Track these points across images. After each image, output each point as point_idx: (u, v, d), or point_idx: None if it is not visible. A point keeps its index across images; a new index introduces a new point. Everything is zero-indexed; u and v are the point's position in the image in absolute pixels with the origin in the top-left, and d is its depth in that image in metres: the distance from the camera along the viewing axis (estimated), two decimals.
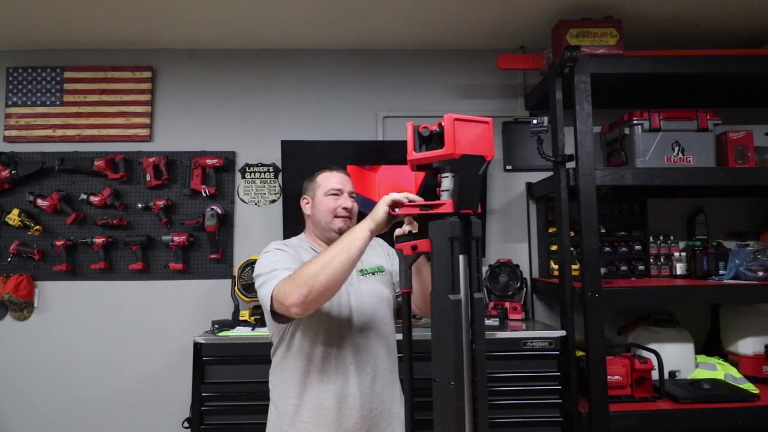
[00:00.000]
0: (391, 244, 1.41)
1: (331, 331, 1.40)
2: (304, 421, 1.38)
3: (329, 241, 1.42)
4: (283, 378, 1.43)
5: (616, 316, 2.61)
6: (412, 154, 1.13)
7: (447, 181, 1.13)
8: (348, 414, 1.37)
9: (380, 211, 1.22)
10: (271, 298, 1.26)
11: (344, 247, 1.22)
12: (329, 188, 1.50)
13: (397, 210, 1.21)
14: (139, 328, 2.61)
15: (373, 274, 1.51)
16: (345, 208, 1.49)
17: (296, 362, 1.40)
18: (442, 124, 1.09)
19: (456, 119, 1.08)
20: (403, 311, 1.18)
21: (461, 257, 1.11)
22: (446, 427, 1.09)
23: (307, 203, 1.56)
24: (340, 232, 1.43)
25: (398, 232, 1.25)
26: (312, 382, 1.39)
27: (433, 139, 1.12)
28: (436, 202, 1.13)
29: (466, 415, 1.09)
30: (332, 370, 1.39)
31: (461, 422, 1.08)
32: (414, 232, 1.24)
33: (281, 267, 1.32)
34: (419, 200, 1.21)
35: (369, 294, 1.46)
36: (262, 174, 2.71)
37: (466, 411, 1.09)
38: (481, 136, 1.12)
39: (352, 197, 1.53)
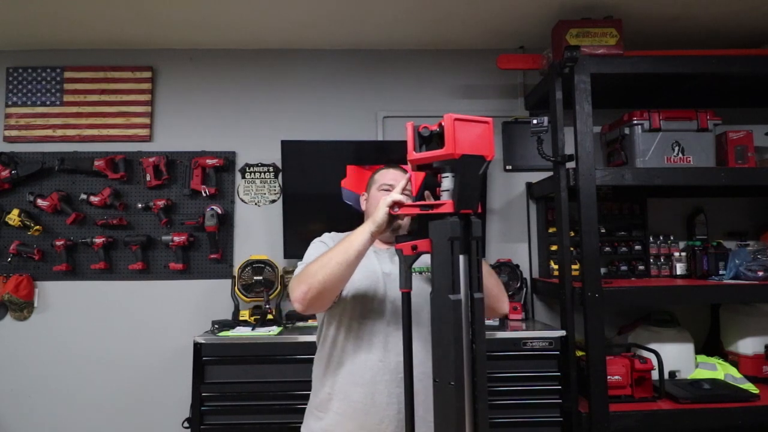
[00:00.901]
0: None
1: (364, 326, 1.38)
2: (333, 410, 1.38)
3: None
4: (317, 366, 1.45)
5: (616, 316, 2.61)
6: (413, 154, 1.13)
7: (447, 181, 1.13)
8: (375, 411, 1.35)
9: (380, 212, 1.22)
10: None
11: (343, 248, 1.23)
12: (382, 183, 1.52)
13: (397, 210, 1.21)
14: (139, 328, 2.61)
15: (420, 273, 1.47)
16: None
17: (328, 351, 1.42)
18: (442, 124, 1.09)
19: (456, 119, 1.08)
20: (403, 311, 1.17)
21: (461, 257, 1.11)
22: (446, 427, 1.09)
23: (365, 200, 1.58)
24: (391, 232, 1.44)
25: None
26: (342, 372, 1.38)
27: (433, 139, 1.12)
28: (437, 202, 1.13)
29: (467, 415, 1.09)
30: (362, 364, 1.37)
31: (461, 422, 1.08)
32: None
33: (311, 259, 1.34)
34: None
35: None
36: (262, 174, 2.71)
37: (467, 411, 1.09)
38: (482, 136, 1.12)
39: (405, 193, 1.47)
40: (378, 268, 1.42)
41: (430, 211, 1.13)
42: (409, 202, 1.21)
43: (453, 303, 1.08)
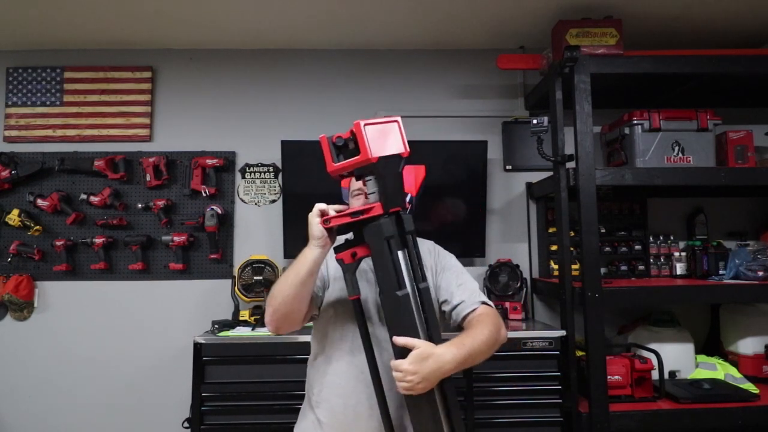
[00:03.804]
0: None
1: (345, 335, 1.35)
2: (319, 418, 1.36)
3: None
4: (308, 370, 1.45)
5: (616, 316, 2.61)
6: (332, 165, 1.15)
7: (371, 185, 1.18)
8: (357, 423, 1.31)
9: (314, 227, 1.20)
10: None
11: (295, 269, 1.21)
12: (352, 189, 1.48)
13: (329, 222, 1.19)
14: (139, 328, 2.61)
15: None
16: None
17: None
18: (353, 131, 1.11)
19: (366, 124, 1.11)
20: (356, 316, 1.21)
21: (400, 253, 1.17)
22: (421, 424, 1.14)
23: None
24: None
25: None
26: (326, 382, 1.36)
27: (348, 146, 1.14)
28: (365, 206, 1.16)
29: (440, 407, 1.14)
30: (343, 374, 1.35)
31: (435, 411, 1.14)
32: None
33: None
34: (347, 208, 1.21)
35: None
36: (262, 174, 2.71)
37: (437, 399, 1.14)
38: (392, 135, 1.15)
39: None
40: None
41: (361, 217, 1.16)
42: (334, 212, 1.19)
43: (402, 298, 1.13)
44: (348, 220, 1.17)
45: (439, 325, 1.27)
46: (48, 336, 2.60)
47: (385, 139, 1.14)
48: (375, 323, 1.32)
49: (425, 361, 1.09)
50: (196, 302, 2.62)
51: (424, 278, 1.21)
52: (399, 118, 1.18)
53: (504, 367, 2.10)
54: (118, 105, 2.70)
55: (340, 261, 1.19)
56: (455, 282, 1.37)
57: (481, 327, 1.23)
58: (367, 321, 1.30)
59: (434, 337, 1.16)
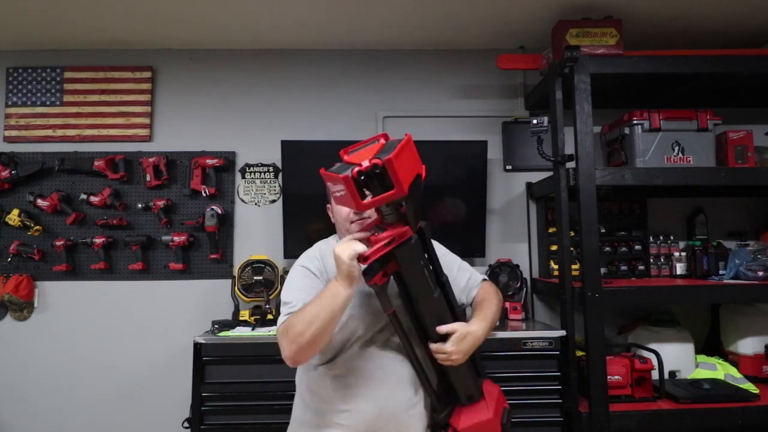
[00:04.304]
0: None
1: (352, 341, 1.39)
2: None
3: None
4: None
5: (616, 316, 2.61)
6: (361, 204, 1.11)
7: (388, 209, 1.18)
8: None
9: (352, 269, 1.17)
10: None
11: (328, 306, 1.20)
12: (334, 190, 1.46)
13: (368, 260, 1.16)
14: (139, 328, 2.61)
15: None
16: (356, 212, 1.43)
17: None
18: (377, 163, 1.06)
19: (395, 157, 1.06)
20: (395, 328, 1.30)
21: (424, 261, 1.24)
22: (462, 382, 1.36)
23: (331, 212, 1.53)
24: None
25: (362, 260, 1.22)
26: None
27: (374, 179, 1.10)
28: (396, 231, 1.17)
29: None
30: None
31: (472, 372, 1.37)
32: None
33: (294, 302, 1.32)
34: (372, 236, 1.21)
35: None
36: (262, 174, 2.71)
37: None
38: (411, 156, 1.14)
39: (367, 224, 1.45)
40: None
41: (396, 244, 1.17)
42: (370, 250, 1.16)
43: (437, 298, 1.26)
44: (385, 250, 1.16)
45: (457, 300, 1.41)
46: (48, 336, 2.60)
47: (408, 163, 1.11)
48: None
49: (464, 340, 1.28)
50: (196, 302, 2.62)
51: (442, 271, 1.32)
52: (408, 135, 1.14)
53: (504, 367, 2.10)
54: (118, 105, 2.70)
55: (374, 285, 1.20)
56: (456, 267, 1.56)
57: (490, 299, 1.48)
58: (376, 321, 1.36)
59: (459, 315, 1.34)
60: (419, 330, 1.33)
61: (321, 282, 1.39)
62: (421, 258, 1.22)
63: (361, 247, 1.18)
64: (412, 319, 1.33)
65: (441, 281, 1.31)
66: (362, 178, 1.08)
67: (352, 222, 1.43)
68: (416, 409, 1.38)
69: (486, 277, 1.60)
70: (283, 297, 1.38)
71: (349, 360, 1.37)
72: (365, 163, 1.07)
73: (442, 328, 1.27)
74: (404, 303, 1.30)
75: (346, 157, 1.19)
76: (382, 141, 1.18)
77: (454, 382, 1.36)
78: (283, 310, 1.35)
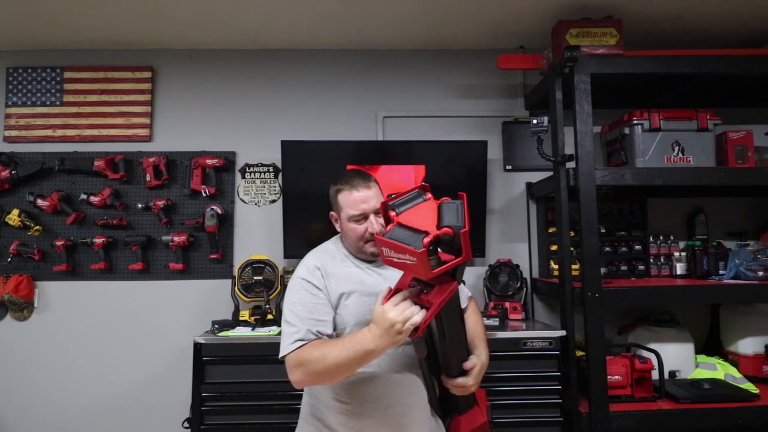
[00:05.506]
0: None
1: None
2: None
3: (365, 258, 1.44)
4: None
5: (616, 316, 2.61)
6: (430, 273, 1.08)
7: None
8: None
9: (397, 338, 1.14)
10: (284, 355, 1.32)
11: (358, 359, 1.19)
12: (351, 215, 1.39)
13: (419, 330, 1.14)
14: (139, 329, 2.61)
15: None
16: (372, 233, 1.38)
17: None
18: (449, 233, 1.08)
19: (467, 231, 1.08)
20: (423, 368, 1.36)
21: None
22: (467, 400, 1.40)
23: (336, 221, 1.48)
24: (373, 255, 1.41)
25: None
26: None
27: (444, 245, 1.11)
28: (446, 288, 1.14)
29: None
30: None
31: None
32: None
33: (299, 322, 1.32)
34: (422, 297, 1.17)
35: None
36: (262, 174, 2.71)
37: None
38: (462, 215, 1.14)
39: (378, 215, 1.38)
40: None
41: (446, 302, 1.15)
42: (422, 318, 1.12)
43: (465, 337, 1.33)
44: (430, 317, 1.14)
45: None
46: (48, 336, 2.60)
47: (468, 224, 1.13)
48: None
49: (481, 372, 1.36)
50: (196, 302, 2.62)
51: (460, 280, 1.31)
52: (465, 195, 1.17)
53: (504, 367, 2.10)
54: (118, 105, 2.70)
55: (413, 341, 1.20)
56: None
57: (477, 316, 1.55)
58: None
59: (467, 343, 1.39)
60: (433, 360, 1.37)
61: (323, 295, 1.37)
62: (458, 302, 1.26)
63: (419, 318, 1.11)
64: (431, 353, 1.35)
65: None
66: (430, 247, 1.08)
67: (366, 242, 1.40)
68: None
69: (468, 291, 1.60)
70: (286, 314, 1.36)
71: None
72: (434, 231, 1.08)
73: (468, 365, 1.32)
74: (427, 340, 1.30)
75: (397, 218, 1.17)
76: (430, 196, 1.22)
77: (459, 399, 1.40)
78: (287, 330, 1.33)
